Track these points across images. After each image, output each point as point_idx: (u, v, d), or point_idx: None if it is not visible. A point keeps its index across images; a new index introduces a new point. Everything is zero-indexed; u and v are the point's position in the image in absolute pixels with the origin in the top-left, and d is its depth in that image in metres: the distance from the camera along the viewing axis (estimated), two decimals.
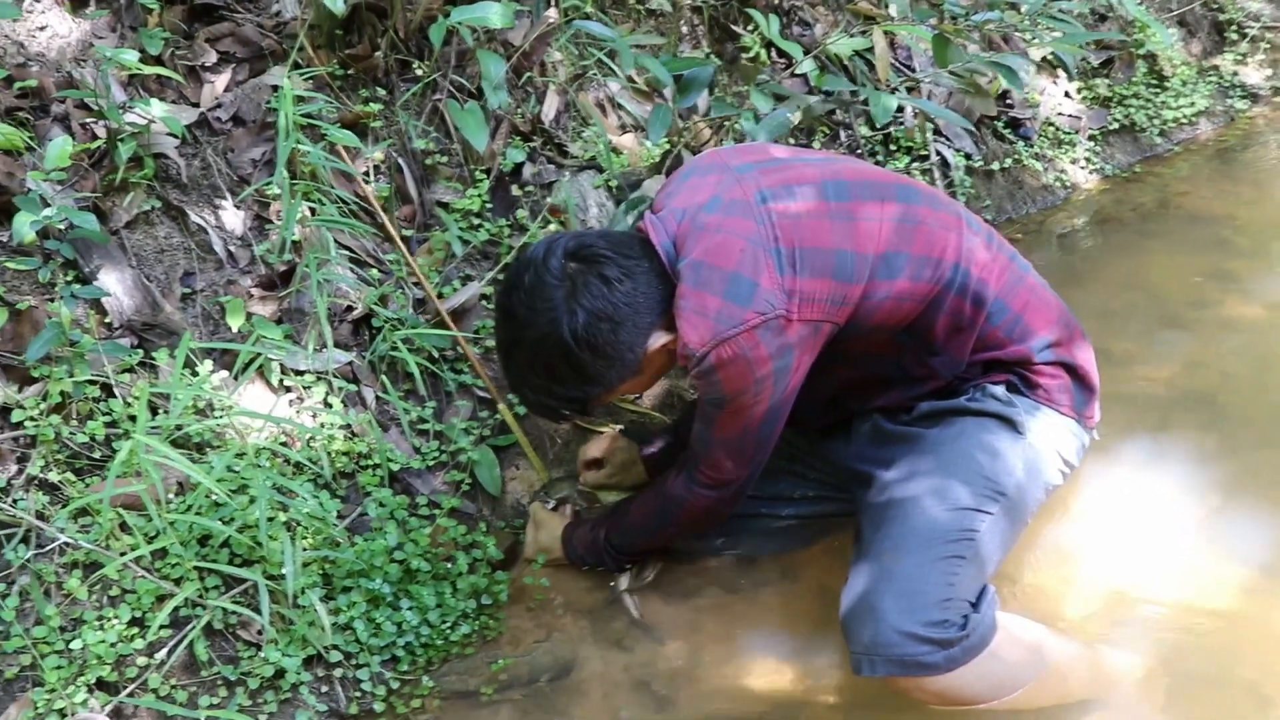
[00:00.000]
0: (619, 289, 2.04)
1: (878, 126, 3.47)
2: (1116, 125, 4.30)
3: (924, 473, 2.15)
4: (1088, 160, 4.18)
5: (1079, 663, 2.16)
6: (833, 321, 2.07)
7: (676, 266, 2.07)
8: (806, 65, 3.20)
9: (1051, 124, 4.13)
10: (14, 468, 2.16)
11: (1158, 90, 4.47)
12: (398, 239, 2.61)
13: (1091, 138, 4.23)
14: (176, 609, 2.13)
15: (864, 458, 2.28)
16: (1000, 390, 2.22)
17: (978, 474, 2.13)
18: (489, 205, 2.85)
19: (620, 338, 2.06)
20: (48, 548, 2.12)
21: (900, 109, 3.60)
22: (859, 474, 2.27)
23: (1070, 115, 4.21)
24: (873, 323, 2.11)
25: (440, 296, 2.65)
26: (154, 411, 2.30)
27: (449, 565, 2.42)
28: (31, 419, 2.18)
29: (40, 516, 2.13)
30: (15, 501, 2.12)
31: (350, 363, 2.55)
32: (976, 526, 2.10)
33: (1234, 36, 4.78)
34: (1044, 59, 4.18)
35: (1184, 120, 4.46)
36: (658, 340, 2.09)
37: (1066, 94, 4.25)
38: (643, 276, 2.07)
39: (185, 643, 2.13)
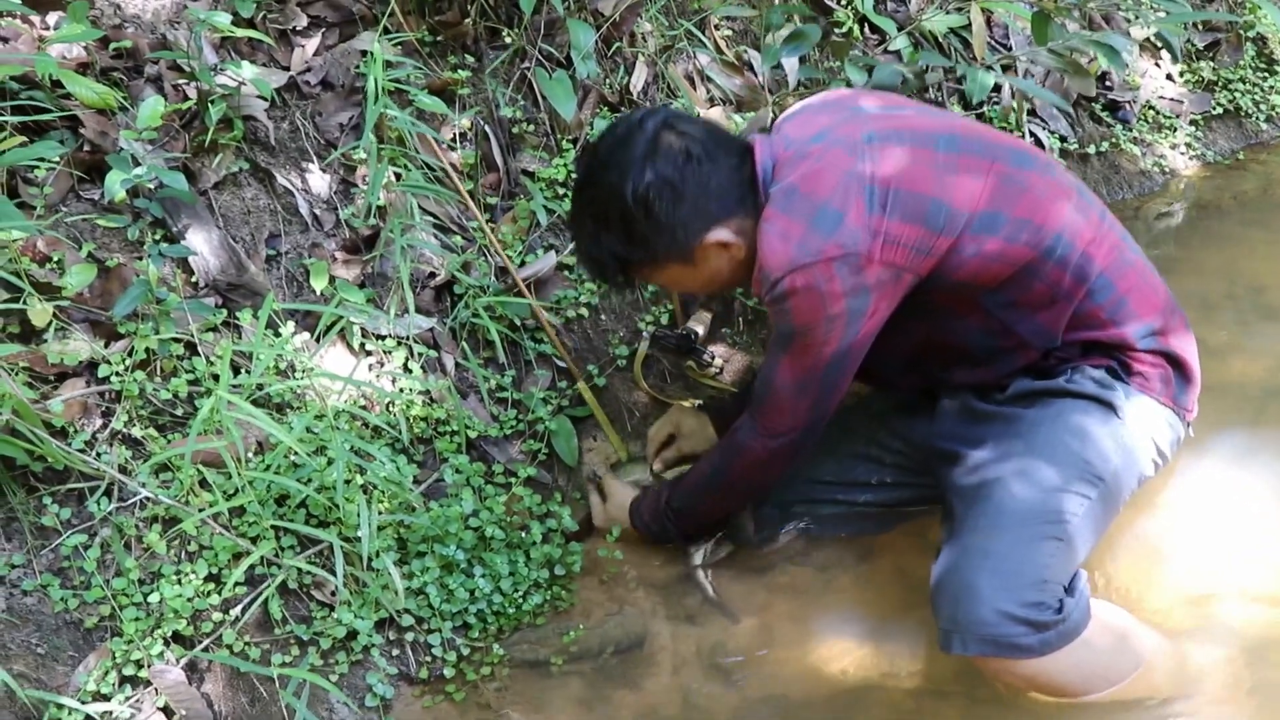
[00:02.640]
0: (695, 168, 2.05)
1: (973, 104, 3.40)
2: (1220, 110, 4.18)
3: (1019, 453, 2.10)
4: (1188, 146, 4.07)
5: (1166, 657, 2.11)
6: (915, 271, 2.03)
7: (770, 189, 2.06)
8: (900, 42, 3.16)
9: (1152, 107, 4.03)
10: (99, 421, 2.19)
11: (1266, 74, 4.33)
12: (474, 208, 2.60)
13: (1193, 123, 4.12)
14: (252, 567, 2.15)
15: (953, 436, 2.23)
16: (1100, 373, 2.16)
17: (1075, 457, 2.08)
18: (575, 175, 2.83)
19: (678, 212, 2.05)
20: (129, 501, 2.14)
21: (997, 87, 3.52)
22: (946, 453, 2.22)
23: (1172, 99, 4.10)
24: (957, 278, 2.06)
25: (522, 264, 2.64)
26: (236, 371, 2.32)
27: (523, 534, 2.42)
28: (117, 374, 2.21)
29: (123, 470, 2.16)
30: (99, 455, 2.15)
31: (431, 329, 2.55)
32: (1074, 509, 2.05)
33: None
34: (1146, 40, 4.07)
35: None
36: (718, 235, 2.07)
37: (1169, 77, 4.14)
38: (725, 171, 2.07)
39: (260, 600, 2.15)
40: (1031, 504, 2.04)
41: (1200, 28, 4.22)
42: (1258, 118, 4.24)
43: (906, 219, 2.00)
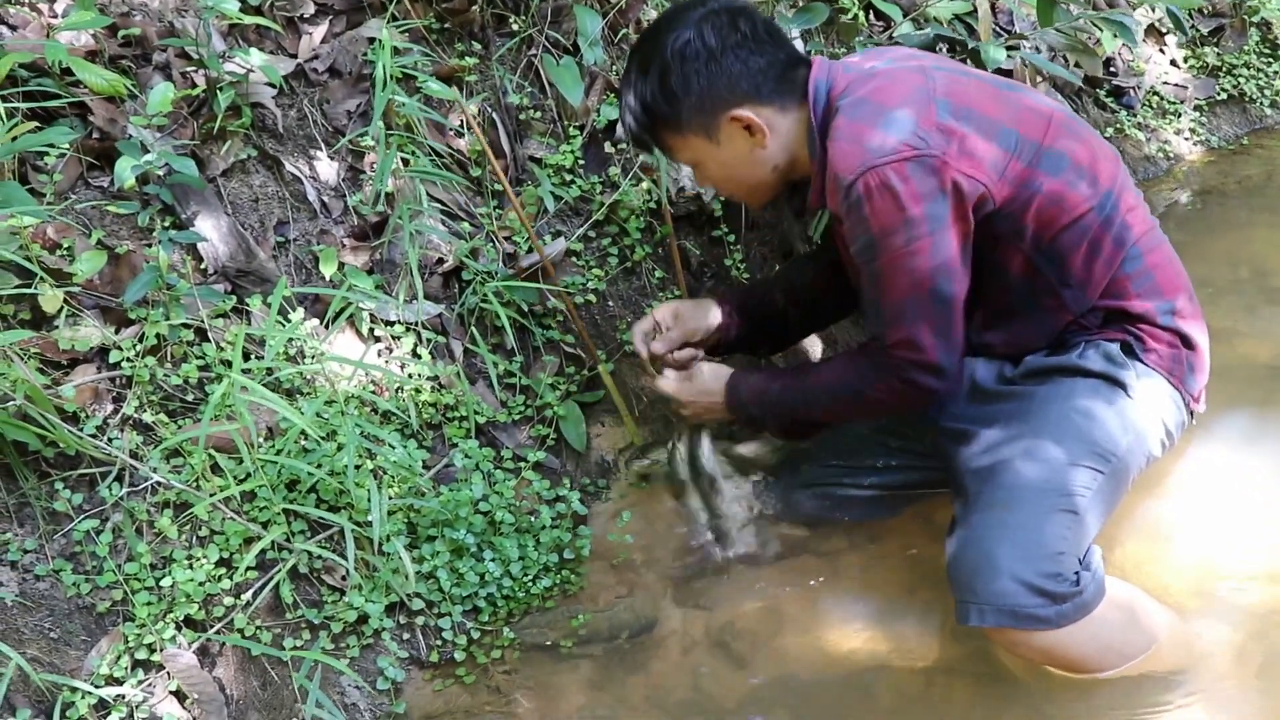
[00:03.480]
0: (740, 43, 2.10)
1: None
2: (1224, 95, 4.18)
3: (1030, 432, 2.11)
4: (1193, 131, 4.07)
5: (1176, 635, 2.12)
6: (989, 193, 2.02)
7: (837, 103, 2.07)
8: (905, 27, 3.16)
9: (1156, 93, 4.04)
10: (110, 407, 2.20)
11: (1270, 60, 4.34)
12: (507, 186, 2.60)
13: (1197, 108, 4.12)
14: (264, 551, 2.17)
15: (963, 416, 2.23)
16: (1114, 349, 2.17)
17: (1085, 435, 2.09)
18: (581, 162, 2.84)
19: (710, 75, 2.09)
20: (140, 487, 2.15)
21: (1008, 72, 3.52)
22: (956, 433, 2.22)
23: (1176, 85, 4.11)
24: (1019, 222, 2.07)
25: (530, 251, 2.65)
26: (246, 357, 2.33)
27: (532, 519, 2.43)
28: (128, 360, 2.22)
29: (134, 456, 2.17)
30: (110, 440, 2.16)
31: (440, 315, 2.56)
32: (1086, 485, 2.06)
33: None
34: (1150, 26, 4.07)
35: None
36: (744, 112, 2.10)
37: (1173, 62, 4.14)
38: (770, 60, 2.12)
39: (271, 585, 2.16)
40: (1044, 480, 2.04)
41: (1205, 13, 4.22)
42: (1262, 103, 4.25)
43: (981, 134, 2.01)
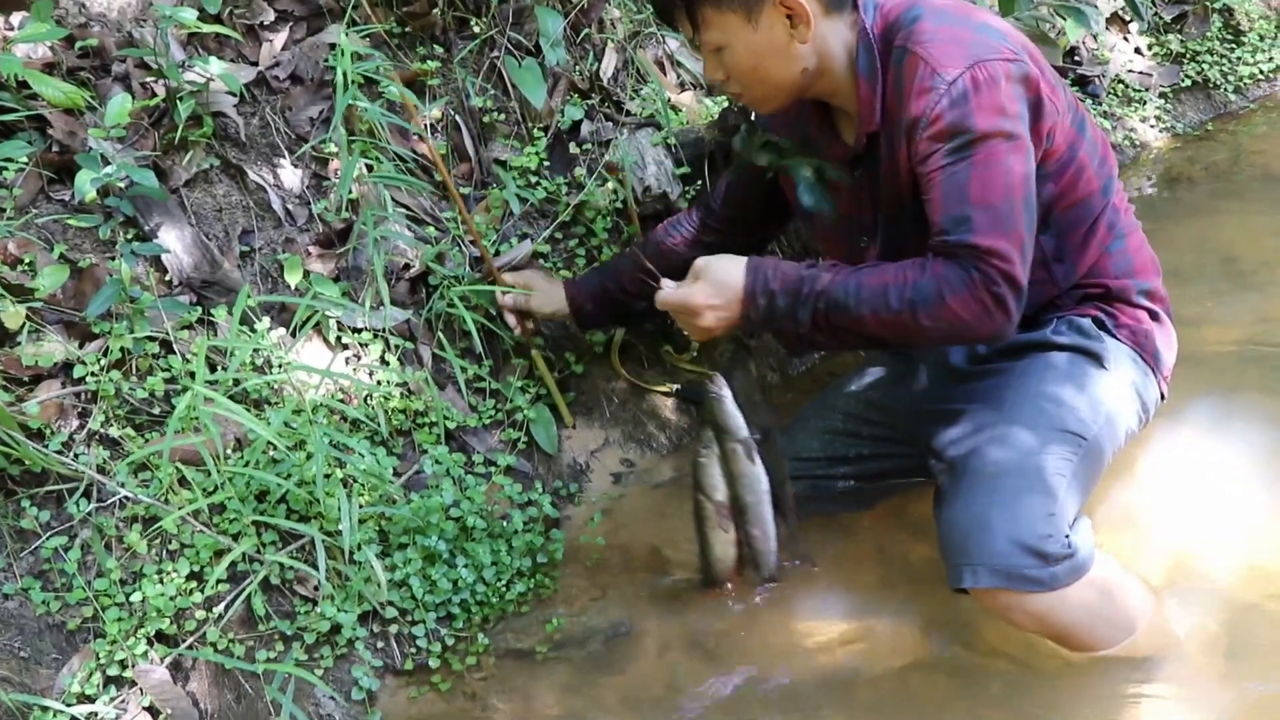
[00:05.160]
0: None
1: None
2: (1189, 82, 4.20)
3: (1015, 403, 2.10)
4: (1158, 119, 4.09)
5: (1158, 619, 2.13)
6: (1054, 130, 2.01)
7: (906, 15, 2.00)
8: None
9: (1121, 81, 4.05)
10: (75, 422, 2.19)
11: (1233, 45, 4.35)
12: (456, 195, 2.59)
13: (1162, 95, 4.14)
14: (234, 564, 2.16)
15: (940, 397, 2.23)
16: (1085, 323, 2.18)
17: (1067, 408, 2.09)
18: (547, 163, 2.83)
19: None
20: (108, 502, 2.14)
21: None
22: (936, 414, 2.20)
23: (1140, 72, 4.12)
24: (1045, 183, 2.03)
25: (497, 254, 2.64)
26: (212, 368, 2.31)
27: (504, 523, 2.43)
28: (92, 374, 2.21)
29: (101, 471, 2.16)
30: (77, 456, 2.15)
31: (407, 320, 2.55)
32: (1071, 454, 2.06)
33: None
34: (1114, 14, 4.09)
35: (1261, 76, 4.35)
36: None
37: (1137, 50, 4.15)
38: None
39: (243, 597, 2.15)
40: (1030, 450, 2.04)
41: (1167, 1, 4.24)
42: (1226, 89, 4.27)
43: (1052, 76, 2.03)
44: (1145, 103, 4.08)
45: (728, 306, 2.08)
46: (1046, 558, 1.94)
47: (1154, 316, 2.24)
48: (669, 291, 2.12)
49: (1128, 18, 4.10)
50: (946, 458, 2.13)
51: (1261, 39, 4.38)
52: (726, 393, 2.18)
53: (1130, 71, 4.08)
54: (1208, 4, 4.27)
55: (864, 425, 2.44)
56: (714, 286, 2.08)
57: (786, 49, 2.01)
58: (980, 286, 1.91)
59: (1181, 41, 4.23)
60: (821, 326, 2.04)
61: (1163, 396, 2.28)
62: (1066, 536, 1.97)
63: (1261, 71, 4.34)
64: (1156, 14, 4.23)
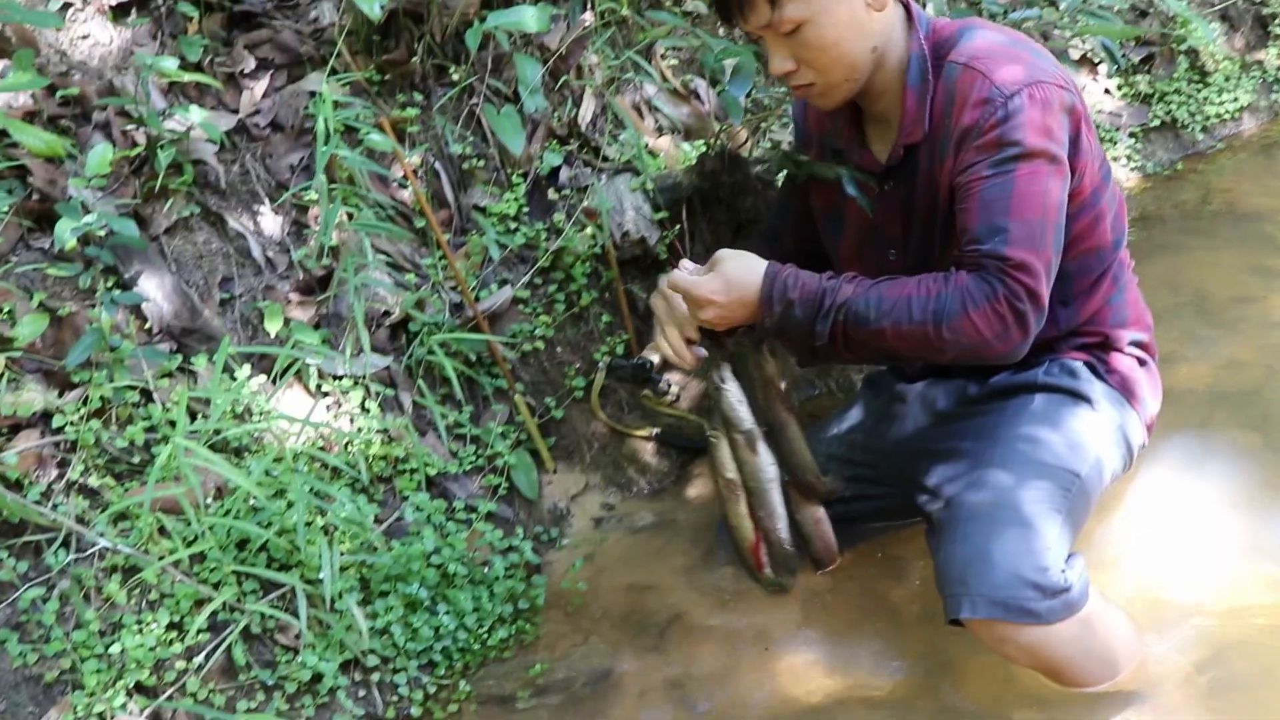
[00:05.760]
0: None
1: None
2: (1157, 122, 4.25)
3: (1009, 441, 2.12)
4: (1128, 158, 4.14)
5: (1141, 657, 2.15)
6: (1084, 161, 2.04)
7: (960, 33, 2.05)
8: None
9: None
10: (54, 472, 2.18)
11: (1200, 86, 4.41)
12: (442, 239, 2.61)
13: (1132, 135, 4.19)
14: (215, 613, 2.15)
15: (932, 436, 2.25)
16: (1078, 366, 2.21)
17: (1061, 445, 2.11)
18: (526, 209, 2.85)
19: None
20: (87, 552, 2.13)
21: None
22: (927, 451, 2.22)
23: (1110, 112, 4.18)
24: (1067, 226, 2.04)
25: (477, 300, 2.65)
26: (193, 416, 2.31)
27: (486, 570, 2.43)
28: (72, 424, 2.20)
29: (80, 521, 2.15)
30: (55, 506, 2.14)
31: (387, 367, 2.56)
32: (1068, 488, 2.08)
33: (1278, 30, 4.72)
34: (1084, 56, 4.14)
35: (1227, 116, 4.41)
36: None
37: (1106, 91, 4.21)
38: None
39: (223, 647, 2.14)
40: (1031, 482, 2.05)
41: (1135, 42, 4.30)
42: (1194, 128, 4.32)
43: (1087, 111, 2.05)
44: (1115, 142, 4.13)
45: (737, 305, 2.08)
46: (1044, 591, 1.94)
47: (1142, 363, 2.27)
48: (681, 275, 2.12)
49: (1097, 60, 4.16)
50: (943, 494, 2.13)
51: (1226, 79, 4.45)
52: (731, 385, 2.23)
53: (1100, 112, 4.13)
54: (1173, 46, 4.34)
55: (845, 467, 2.45)
56: (725, 283, 2.08)
57: (864, 21, 2.01)
58: (1003, 301, 1.92)
59: (1150, 82, 4.29)
60: (839, 338, 2.04)
61: (1143, 445, 2.31)
62: (1063, 571, 1.98)
63: (1227, 111, 4.40)
64: (1125, 55, 4.29)
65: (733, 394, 2.23)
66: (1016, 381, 2.20)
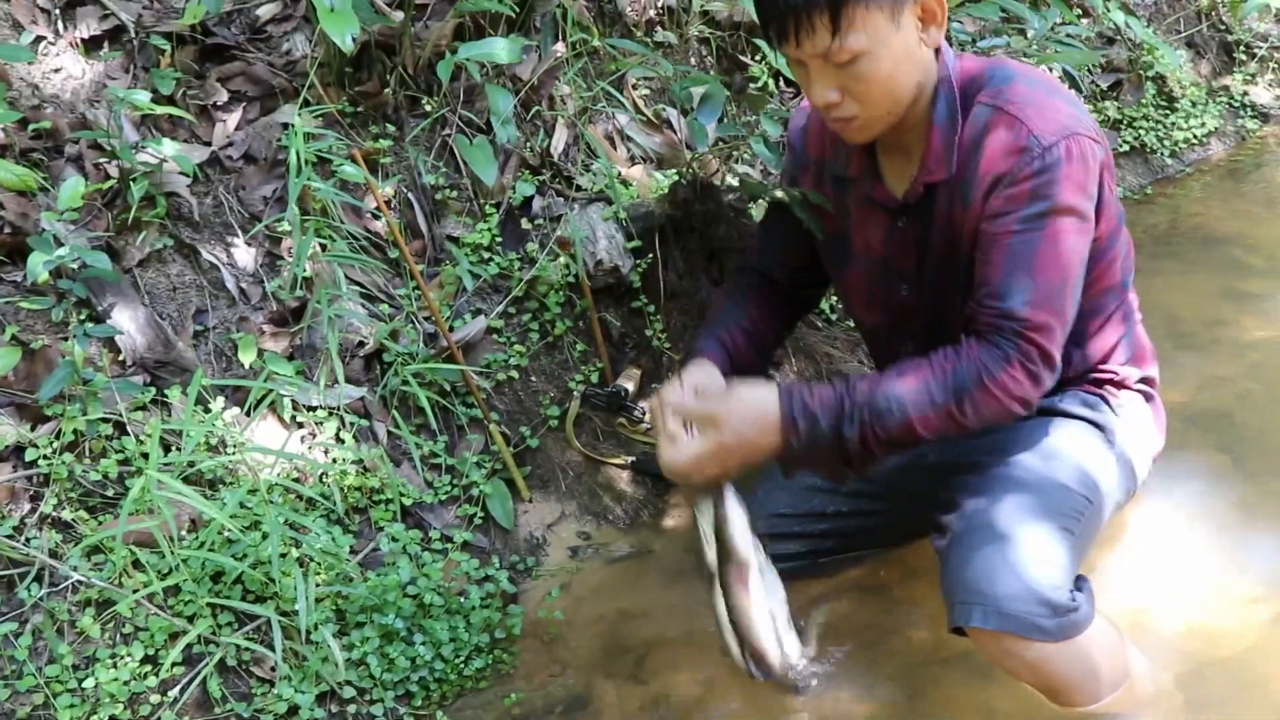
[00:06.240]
0: None
1: None
2: (1126, 147, 4.30)
3: (1027, 460, 2.10)
4: None
5: (1143, 677, 2.15)
6: (1106, 210, 2.01)
7: (989, 73, 1.99)
8: None
9: None
10: (27, 506, 2.17)
11: (1168, 111, 4.47)
12: (415, 270, 2.61)
13: None
14: (189, 646, 2.14)
15: (945, 450, 2.14)
16: (1091, 398, 2.20)
17: (1077, 469, 2.10)
18: (499, 239, 2.86)
19: None
20: (60, 586, 2.12)
21: None
22: (939, 466, 2.17)
23: None
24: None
25: (451, 330, 2.66)
26: (166, 449, 2.31)
27: (462, 599, 2.42)
28: (44, 457, 2.20)
29: (53, 555, 2.14)
30: (28, 540, 2.13)
31: (362, 398, 2.56)
32: (1082, 511, 2.07)
33: (1243, 57, 4.79)
34: None
35: (1195, 141, 4.47)
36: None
37: None
38: None
39: (198, 680, 2.13)
40: (1047, 500, 2.04)
41: (1103, 69, 4.35)
42: (1162, 153, 4.37)
43: (1110, 158, 2.01)
44: None
45: (758, 435, 1.95)
46: (1054, 609, 1.92)
47: (1148, 399, 2.29)
48: (687, 402, 2.00)
49: (1067, 83, 4.21)
50: (958, 503, 2.08)
51: (1194, 105, 4.51)
52: (735, 512, 2.01)
53: None
54: (1141, 72, 4.39)
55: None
56: (743, 412, 1.95)
57: (916, 55, 1.93)
58: (1017, 366, 1.90)
59: (1118, 108, 4.34)
60: (870, 440, 1.94)
61: (1143, 481, 2.32)
62: (1072, 591, 1.97)
63: (1195, 136, 4.45)
64: (1093, 82, 4.34)
65: (737, 524, 2.01)
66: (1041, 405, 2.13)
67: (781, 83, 3.55)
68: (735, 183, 3.03)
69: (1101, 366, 2.21)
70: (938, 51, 1.99)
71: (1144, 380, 2.28)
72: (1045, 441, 2.14)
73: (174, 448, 2.31)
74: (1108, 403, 2.22)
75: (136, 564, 2.18)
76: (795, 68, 1.96)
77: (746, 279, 2.38)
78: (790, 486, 2.39)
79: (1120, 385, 2.23)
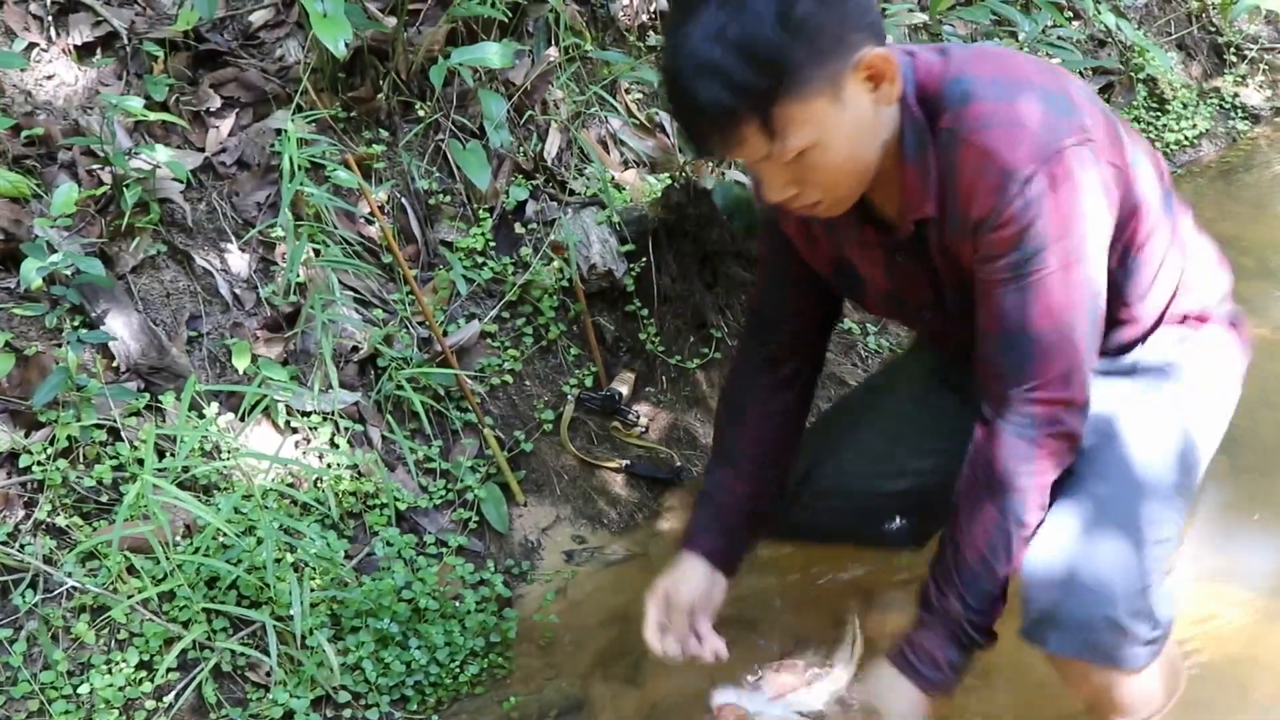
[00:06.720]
0: None
1: None
2: None
3: (1117, 437, 1.86)
4: None
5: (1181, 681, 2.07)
6: (1120, 184, 1.73)
7: (946, 85, 1.67)
8: None
9: None
10: (21, 512, 2.17)
11: (1159, 113, 4.48)
12: (409, 275, 2.62)
13: None
14: (184, 651, 2.14)
15: None
16: (1175, 347, 1.96)
17: (1175, 445, 1.88)
18: (492, 243, 2.86)
19: (846, 8, 1.55)
20: (55, 592, 2.12)
21: None
22: None
23: None
24: (1118, 233, 1.77)
25: (445, 334, 2.66)
26: (161, 454, 2.31)
27: (457, 604, 2.42)
28: (39, 463, 2.20)
29: (48, 561, 2.14)
30: (23, 546, 2.13)
31: (356, 403, 2.56)
32: (1180, 512, 1.87)
33: (1233, 59, 4.81)
34: None
35: (1186, 142, 4.48)
36: (875, 50, 1.58)
37: None
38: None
39: (193, 685, 2.13)
40: (1141, 498, 1.82)
41: (1094, 72, 4.36)
42: None
43: (1099, 110, 1.73)
44: None
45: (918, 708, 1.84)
46: (1138, 638, 1.77)
47: (1233, 324, 2.05)
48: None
49: None
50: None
51: (1185, 107, 4.52)
52: None
53: None
54: (1132, 74, 4.40)
55: (926, 439, 2.15)
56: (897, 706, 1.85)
57: (874, 120, 1.65)
58: (1044, 443, 1.74)
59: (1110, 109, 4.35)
60: (987, 628, 1.82)
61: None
62: (1155, 615, 1.79)
63: (1186, 138, 4.46)
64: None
65: None
66: (1112, 368, 1.94)
67: None
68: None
69: (1175, 306, 1.96)
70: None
71: (1222, 302, 2.02)
72: (1139, 421, 1.89)
73: (168, 453, 2.32)
74: (1190, 343, 1.98)
75: (131, 569, 2.17)
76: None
77: (750, 379, 2.13)
78: (875, 434, 2.22)
79: (1199, 319, 1.99)
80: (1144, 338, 1.96)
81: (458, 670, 2.34)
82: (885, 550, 2.40)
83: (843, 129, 1.60)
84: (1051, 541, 1.80)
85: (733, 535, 2.08)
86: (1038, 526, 1.79)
